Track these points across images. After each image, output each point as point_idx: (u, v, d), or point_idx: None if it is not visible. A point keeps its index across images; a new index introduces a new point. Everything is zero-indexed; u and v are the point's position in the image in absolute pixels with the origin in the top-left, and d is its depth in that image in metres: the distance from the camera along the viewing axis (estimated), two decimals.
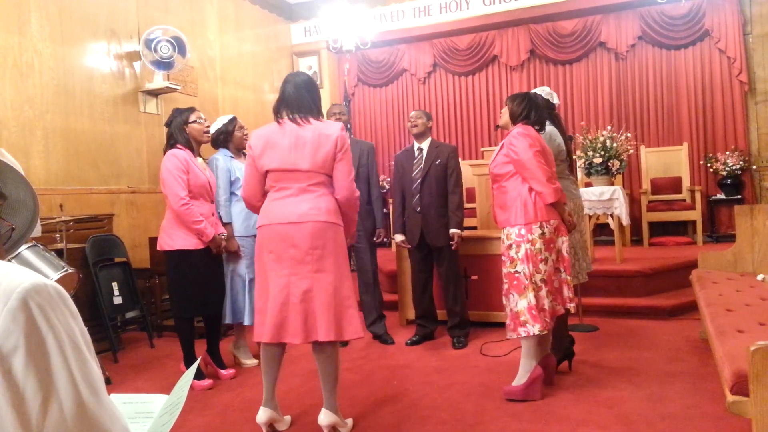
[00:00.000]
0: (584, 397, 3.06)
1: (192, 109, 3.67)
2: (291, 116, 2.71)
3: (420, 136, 4.32)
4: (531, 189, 3.08)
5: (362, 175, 4.37)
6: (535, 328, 3.01)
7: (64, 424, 0.72)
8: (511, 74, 7.63)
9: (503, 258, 3.17)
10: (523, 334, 3.05)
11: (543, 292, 3.06)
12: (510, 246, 3.12)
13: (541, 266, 3.06)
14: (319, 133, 2.67)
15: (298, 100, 2.72)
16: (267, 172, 2.72)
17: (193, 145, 3.61)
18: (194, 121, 3.61)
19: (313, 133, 2.66)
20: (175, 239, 3.50)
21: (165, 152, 3.60)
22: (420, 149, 4.31)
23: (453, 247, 4.16)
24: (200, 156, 3.71)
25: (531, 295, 3.02)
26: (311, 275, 2.61)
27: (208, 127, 3.73)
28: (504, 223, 3.17)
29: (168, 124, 3.65)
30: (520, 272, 3.07)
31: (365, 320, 4.42)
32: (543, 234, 3.06)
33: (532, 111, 3.23)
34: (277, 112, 2.76)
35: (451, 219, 4.18)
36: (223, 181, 3.87)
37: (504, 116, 3.35)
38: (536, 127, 3.24)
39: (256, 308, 2.78)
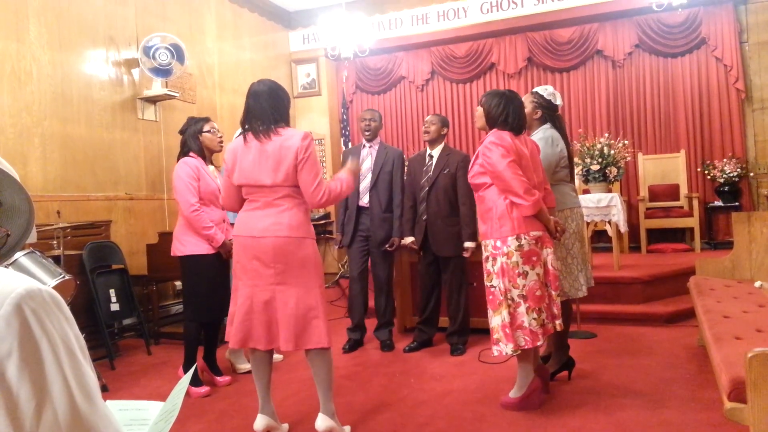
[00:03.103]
0: (582, 404, 3.05)
1: (207, 119, 3.76)
2: (254, 130, 2.71)
3: (432, 143, 4.26)
4: (508, 199, 2.91)
5: (384, 182, 4.34)
6: (507, 348, 2.87)
7: (58, 430, 0.72)
8: (509, 82, 7.64)
9: (483, 270, 3.05)
10: (495, 353, 2.94)
11: (522, 309, 2.88)
12: (487, 258, 2.99)
13: (519, 281, 2.88)
14: (280, 146, 2.64)
15: (258, 112, 2.70)
16: (239, 186, 2.77)
17: (205, 153, 3.70)
18: (208, 131, 3.70)
19: (274, 147, 2.65)
20: (186, 245, 3.56)
21: (178, 159, 3.68)
22: (431, 156, 4.27)
23: (467, 255, 4.12)
24: (212, 164, 3.78)
25: (505, 312, 2.88)
26: (273, 287, 2.66)
27: (221, 137, 3.81)
28: (483, 236, 3.04)
29: (182, 132, 3.73)
30: (495, 287, 2.94)
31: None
32: (521, 246, 2.88)
33: (510, 113, 3.04)
34: (243, 126, 2.77)
35: (464, 231, 4.10)
36: None
37: (480, 119, 3.19)
38: (515, 130, 3.04)
39: (229, 313, 2.81)
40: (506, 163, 2.88)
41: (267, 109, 2.69)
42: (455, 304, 4.26)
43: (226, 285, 3.72)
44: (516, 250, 2.90)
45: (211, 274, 3.59)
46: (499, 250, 2.93)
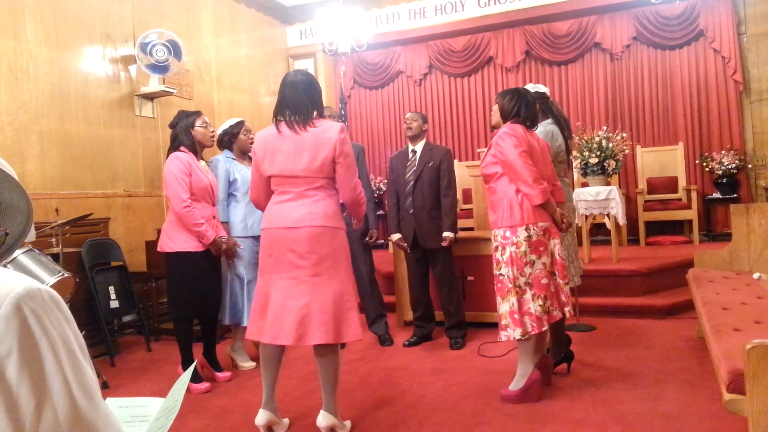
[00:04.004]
0: (581, 397, 3.06)
1: (198, 113, 3.71)
2: (288, 121, 2.70)
3: (414, 138, 4.34)
4: (518, 190, 3.01)
5: None
6: (515, 333, 2.97)
7: (58, 429, 0.72)
8: (507, 75, 7.64)
9: (492, 259, 3.14)
10: (504, 338, 3.03)
11: (528, 296, 2.99)
12: (497, 248, 3.08)
13: (526, 269, 2.99)
14: (318, 137, 2.65)
15: (295, 103, 2.69)
16: (270, 177, 2.74)
17: (196, 147, 3.65)
18: (200, 126, 3.65)
19: (312, 138, 2.65)
20: (175, 241, 3.52)
21: (168, 154, 3.62)
22: (414, 151, 4.33)
23: (445, 244, 4.16)
24: (202, 159, 3.74)
25: (513, 299, 2.98)
26: (309, 279, 2.63)
27: (213, 131, 3.78)
28: (492, 225, 3.13)
29: (173, 126, 3.67)
30: (504, 275, 3.03)
31: (366, 321, 4.44)
32: (529, 237, 2.99)
33: (522, 107, 3.16)
34: (276, 116, 2.75)
35: (444, 222, 4.18)
36: (222, 180, 3.90)
37: (495, 115, 3.30)
38: (527, 123, 3.17)
39: (252, 308, 2.78)
40: (518, 153, 2.99)
41: (304, 99, 2.70)
42: (447, 298, 4.28)
43: (216, 282, 3.71)
44: (525, 240, 2.99)
45: (199, 272, 3.55)
46: (509, 239, 3.02)
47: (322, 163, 2.64)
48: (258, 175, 2.79)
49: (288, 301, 2.64)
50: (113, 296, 4.54)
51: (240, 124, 4.06)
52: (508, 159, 3.01)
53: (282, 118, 2.72)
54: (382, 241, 4.56)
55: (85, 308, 4.37)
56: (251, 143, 4.04)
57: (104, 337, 4.31)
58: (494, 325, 4.39)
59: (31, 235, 3.34)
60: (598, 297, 4.85)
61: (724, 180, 6.55)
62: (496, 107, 3.30)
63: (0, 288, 0.74)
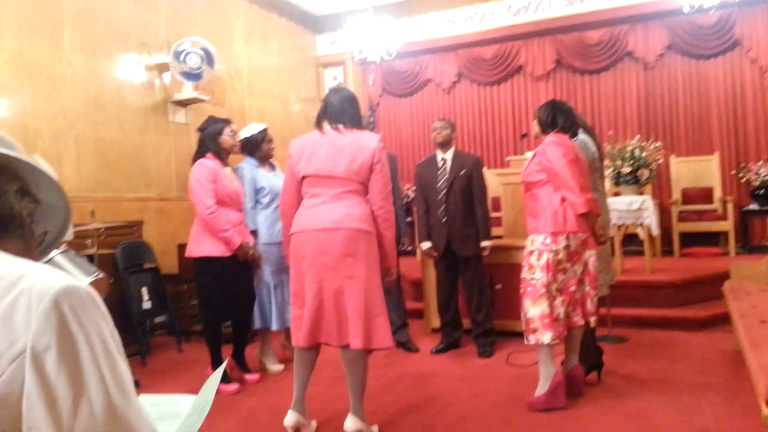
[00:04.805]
0: (614, 409, 3.00)
1: (227, 122, 3.75)
2: (332, 125, 2.76)
3: (444, 146, 4.31)
4: (563, 198, 3.03)
5: None
6: (546, 337, 3.00)
7: (93, 423, 0.73)
8: (537, 84, 7.58)
9: (523, 262, 3.15)
10: (533, 342, 3.06)
11: (558, 301, 3.04)
12: (532, 252, 3.10)
13: (559, 276, 3.04)
14: (357, 142, 2.70)
15: (341, 110, 2.77)
16: (303, 178, 2.76)
17: (222, 155, 3.68)
18: (228, 134, 3.70)
19: (351, 142, 2.70)
20: (203, 246, 3.56)
21: (194, 160, 3.67)
22: (444, 159, 4.30)
23: (485, 254, 4.19)
24: (228, 166, 3.78)
25: (546, 303, 3.01)
26: (343, 281, 2.64)
27: (240, 141, 3.82)
28: (532, 230, 3.15)
29: (201, 130, 3.72)
30: (537, 279, 3.05)
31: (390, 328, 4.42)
32: (568, 246, 3.03)
33: (557, 117, 3.20)
34: (319, 122, 2.81)
35: (480, 231, 4.18)
36: (248, 189, 3.92)
37: (535, 127, 3.36)
38: (569, 134, 3.21)
39: (292, 314, 2.81)
40: (566, 161, 3.03)
41: (348, 108, 2.78)
42: (476, 305, 4.25)
43: (247, 285, 3.74)
44: (563, 249, 3.03)
45: (227, 276, 3.58)
46: (548, 246, 3.04)
47: (360, 167, 2.68)
48: (291, 178, 2.79)
49: (324, 303, 2.66)
50: (146, 297, 4.62)
51: (263, 132, 4.03)
52: (555, 167, 3.04)
53: (325, 125, 2.79)
54: (411, 247, 4.52)
55: (119, 309, 4.44)
56: (272, 151, 4.07)
57: (137, 338, 4.38)
58: (523, 334, 4.36)
59: (69, 233, 3.42)
60: (630, 308, 4.76)
61: (762, 191, 6.39)
62: (535, 120, 3.37)
63: (40, 285, 0.76)
